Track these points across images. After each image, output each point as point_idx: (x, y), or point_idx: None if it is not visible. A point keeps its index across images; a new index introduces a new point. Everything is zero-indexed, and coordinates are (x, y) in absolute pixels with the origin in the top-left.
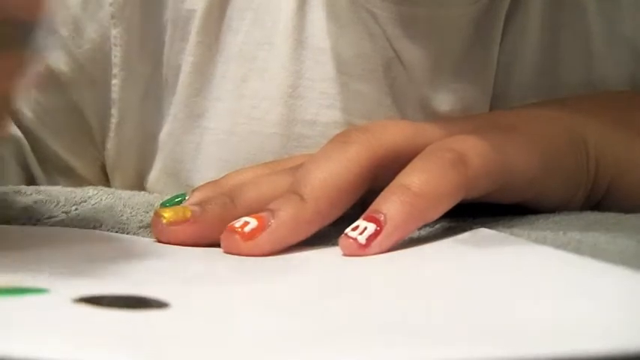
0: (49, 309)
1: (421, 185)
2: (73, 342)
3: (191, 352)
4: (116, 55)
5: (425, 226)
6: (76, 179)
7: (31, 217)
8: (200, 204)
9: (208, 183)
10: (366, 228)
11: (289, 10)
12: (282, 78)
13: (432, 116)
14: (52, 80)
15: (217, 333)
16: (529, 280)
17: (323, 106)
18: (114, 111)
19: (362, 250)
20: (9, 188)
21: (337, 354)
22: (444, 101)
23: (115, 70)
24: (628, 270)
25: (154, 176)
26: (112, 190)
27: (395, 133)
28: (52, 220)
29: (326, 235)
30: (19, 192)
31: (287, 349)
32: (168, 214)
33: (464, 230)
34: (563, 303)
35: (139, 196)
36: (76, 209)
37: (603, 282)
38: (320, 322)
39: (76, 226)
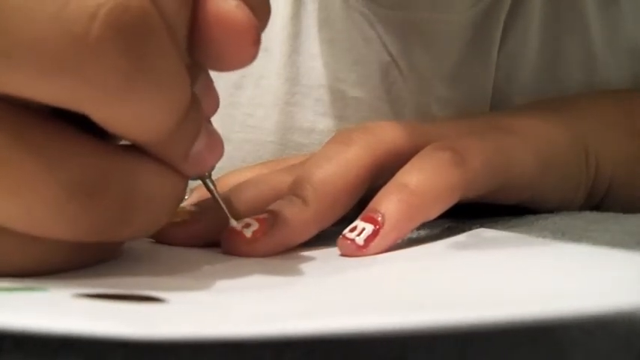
0: (48, 300)
1: (419, 184)
2: (71, 317)
3: (191, 325)
4: None
5: (424, 226)
6: None
7: None
8: (199, 204)
9: None
10: (364, 229)
11: (284, 15)
12: (278, 85)
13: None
14: None
15: (214, 319)
16: (531, 275)
17: (319, 113)
18: None
19: (360, 251)
20: None
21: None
22: (443, 107)
23: None
24: (631, 253)
25: None
26: None
27: (395, 133)
28: None
29: (326, 235)
30: None
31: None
32: None
33: (463, 230)
34: (569, 293)
35: None
36: None
37: (605, 264)
38: (314, 313)
39: None
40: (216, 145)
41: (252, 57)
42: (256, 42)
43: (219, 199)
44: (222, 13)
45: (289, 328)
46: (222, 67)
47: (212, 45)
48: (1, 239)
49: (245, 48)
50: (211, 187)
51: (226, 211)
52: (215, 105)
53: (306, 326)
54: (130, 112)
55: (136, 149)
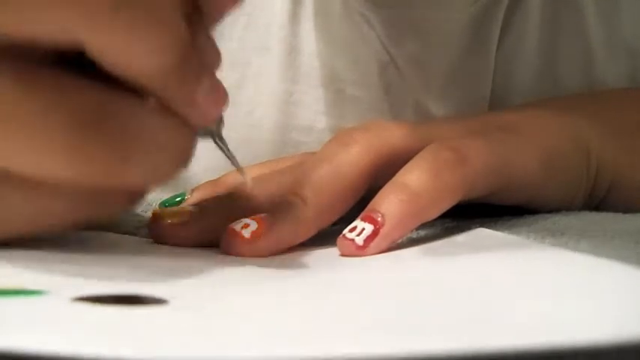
0: (46, 306)
1: (420, 184)
2: (71, 335)
3: (188, 343)
4: None
5: (424, 226)
6: None
7: None
8: (199, 204)
9: (208, 182)
10: (363, 229)
11: (283, 14)
12: (277, 84)
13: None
14: None
15: (214, 328)
16: (527, 278)
17: (319, 112)
18: None
19: (360, 251)
20: None
21: (325, 349)
22: (441, 106)
23: None
24: (627, 266)
25: None
26: None
27: (396, 133)
28: None
29: (325, 235)
30: None
31: (282, 343)
32: (166, 215)
33: (463, 230)
34: (562, 300)
35: None
36: None
37: (602, 279)
38: (314, 319)
39: None
40: (219, 93)
41: None
42: None
43: (232, 157)
44: None
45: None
46: (218, 7)
47: None
48: (5, 188)
49: None
50: (221, 144)
51: (239, 165)
52: (218, 57)
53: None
54: (121, 42)
55: (141, 94)
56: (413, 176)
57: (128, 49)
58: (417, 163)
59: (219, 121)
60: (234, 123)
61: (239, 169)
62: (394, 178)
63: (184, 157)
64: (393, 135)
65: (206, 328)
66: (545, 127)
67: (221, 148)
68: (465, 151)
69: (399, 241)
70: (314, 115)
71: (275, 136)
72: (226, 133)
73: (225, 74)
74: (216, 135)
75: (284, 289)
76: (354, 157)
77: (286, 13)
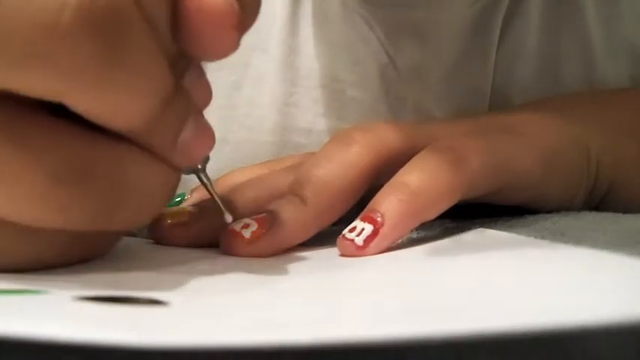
0: (48, 304)
1: (419, 183)
2: (73, 323)
3: (190, 333)
4: None
5: (424, 226)
6: None
7: None
8: (198, 205)
9: None
10: (363, 229)
11: (282, 15)
12: (276, 85)
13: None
14: None
15: (213, 323)
16: (528, 277)
17: (318, 114)
18: None
19: (359, 251)
20: None
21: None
22: (441, 106)
23: None
24: (629, 260)
25: None
26: None
27: (395, 133)
28: None
29: (325, 235)
30: None
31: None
32: (166, 215)
33: (463, 230)
34: (563, 299)
35: None
36: None
37: (603, 277)
38: (314, 320)
39: None
40: (205, 135)
41: (233, 42)
42: (236, 27)
43: (214, 193)
44: (202, 0)
45: (287, 337)
46: (207, 55)
47: (194, 33)
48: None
49: (225, 33)
50: (205, 180)
51: (221, 204)
52: (207, 96)
53: (303, 335)
54: (107, 102)
55: (125, 139)
56: (412, 176)
57: (112, 106)
58: (416, 163)
59: (205, 159)
60: (233, 125)
61: (220, 205)
62: (394, 178)
63: (169, 196)
64: (392, 135)
65: (206, 323)
66: (545, 127)
67: (205, 185)
68: (465, 151)
69: (399, 241)
70: (313, 117)
71: (274, 138)
72: (225, 134)
73: (224, 75)
74: (200, 172)
75: (284, 290)
76: (353, 157)
77: (286, 15)
